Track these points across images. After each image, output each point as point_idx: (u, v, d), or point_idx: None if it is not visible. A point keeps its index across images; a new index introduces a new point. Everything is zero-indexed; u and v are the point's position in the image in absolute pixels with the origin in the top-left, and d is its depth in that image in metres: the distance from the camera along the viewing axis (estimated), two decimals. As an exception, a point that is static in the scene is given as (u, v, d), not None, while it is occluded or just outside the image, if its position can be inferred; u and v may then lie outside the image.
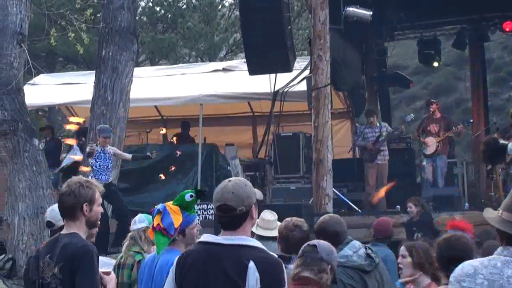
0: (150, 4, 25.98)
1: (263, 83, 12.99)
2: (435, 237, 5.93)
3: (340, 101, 15.17)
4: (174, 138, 13.30)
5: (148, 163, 12.29)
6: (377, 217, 8.27)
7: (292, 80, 12.86)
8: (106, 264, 3.88)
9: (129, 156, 10.60)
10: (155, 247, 5.55)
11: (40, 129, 14.41)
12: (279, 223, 5.11)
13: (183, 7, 25.95)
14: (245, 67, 12.59)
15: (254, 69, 12.13)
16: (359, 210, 11.34)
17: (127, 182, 12.44)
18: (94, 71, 11.70)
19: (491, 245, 4.68)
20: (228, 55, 26.60)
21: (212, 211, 10.62)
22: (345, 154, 14.13)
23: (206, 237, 3.31)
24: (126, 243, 6.14)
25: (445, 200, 11.77)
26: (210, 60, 22.91)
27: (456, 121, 13.17)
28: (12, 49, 9.90)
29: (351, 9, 11.49)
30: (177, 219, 4.17)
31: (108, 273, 3.75)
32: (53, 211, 4.91)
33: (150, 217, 6.06)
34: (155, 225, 4.22)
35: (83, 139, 11.73)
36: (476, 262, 3.25)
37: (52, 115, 23.09)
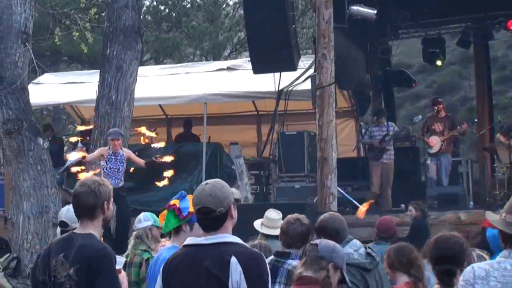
0: (155, 3, 25.98)
1: (268, 82, 12.98)
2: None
3: (345, 100, 15.15)
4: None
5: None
6: (381, 216, 8.25)
7: (296, 79, 12.84)
8: (116, 262, 3.87)
9: (142, 162, 10.45)
10: (161, 245, 5.57)
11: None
12: (283, 222, 5.12)
13: (187, 6, 25.92)
14: (249, 66, 12.56)
15: (258, 68, 12.12)
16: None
17: (132, 181, 12.42)
18: (99, 70, 11.72)
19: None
20: (233, 54, 26.58)
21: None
22: (349, 153, 14.12)
23: (189, 240, 3.40)
24: (131, 242, 6.15)
25: (449, 199, 11.75)
26: (215, 59, 22.90)
27: (461, 120, 13.14)
28: (16, 48, 9.92)
29: (355, 8, 11.46)
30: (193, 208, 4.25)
31: (119, 271, 3.76)
32: (69, 212, 4.73)
33: (155, 215, 6.09)
34: (171, 204, 4.30)
35: (88, 138, 11.75)
36: (485, 265, 3.26)
37: (57, 114, 23.12)
